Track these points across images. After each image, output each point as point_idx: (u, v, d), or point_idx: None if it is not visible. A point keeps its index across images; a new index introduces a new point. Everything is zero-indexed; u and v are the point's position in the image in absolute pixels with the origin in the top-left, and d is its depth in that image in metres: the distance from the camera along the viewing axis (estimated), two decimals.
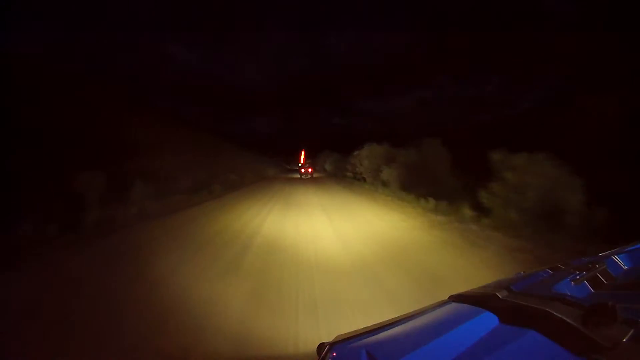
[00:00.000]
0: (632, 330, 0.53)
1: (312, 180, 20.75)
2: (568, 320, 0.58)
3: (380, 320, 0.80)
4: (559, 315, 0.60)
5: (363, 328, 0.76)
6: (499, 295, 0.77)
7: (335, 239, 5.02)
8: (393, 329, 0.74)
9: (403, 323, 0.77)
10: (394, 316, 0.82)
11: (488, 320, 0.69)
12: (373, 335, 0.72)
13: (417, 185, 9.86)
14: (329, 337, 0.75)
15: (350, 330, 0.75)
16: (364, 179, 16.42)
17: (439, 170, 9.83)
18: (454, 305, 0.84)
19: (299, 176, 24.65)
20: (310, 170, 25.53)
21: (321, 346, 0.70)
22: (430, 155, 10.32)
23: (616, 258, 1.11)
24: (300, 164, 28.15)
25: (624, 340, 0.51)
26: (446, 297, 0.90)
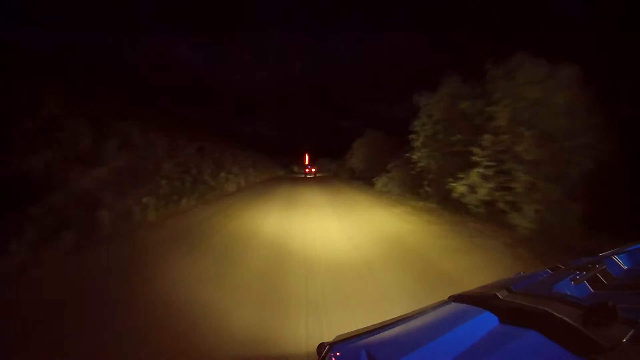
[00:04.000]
0: (632, 330, 0.53)
1: (315, 179, 25.65)
2: (568, 320, 0.58)
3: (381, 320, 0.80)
4: (559, 315, 0.60)
5: (363, 328, 0.76)
6: (499, 295, 0.77)
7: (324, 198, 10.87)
8: (393, 329, 0.74)
9: (403, 323, 0.77)
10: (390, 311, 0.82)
11: (488, 320, 0.69)
12: (373, 335, 0.72)
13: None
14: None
15: (350, 330, 0.75)
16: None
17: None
18: (454, 305, 0.84)
19: (303, 176, 29.74)
20: (313, 170, 31.23)
21: (321, 346, 0.70)
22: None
23: (616, 258, 1.11)
24: (304, 165, 33.63)
25: (624, 340, 0.51)
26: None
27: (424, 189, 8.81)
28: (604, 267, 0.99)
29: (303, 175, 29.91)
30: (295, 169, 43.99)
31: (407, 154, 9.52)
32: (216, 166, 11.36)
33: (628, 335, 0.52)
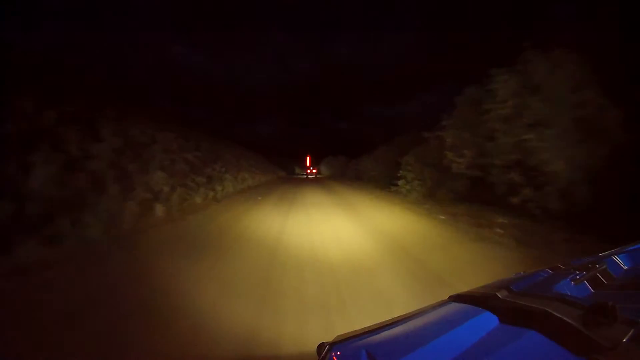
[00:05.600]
0: (632, 330, 0.53)
1: (315, 179, 27.90)
2: (568, 320, 0.58)
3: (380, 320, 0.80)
4: (559, 315, 0.60)
5: (363, 328, 0.76)
6: (499, 295, 0.77)
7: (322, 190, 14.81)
8: (393, 329, 0.74)
9: (403, 323, 0.77)
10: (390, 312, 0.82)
11: (488, 320, 0.69)
12: (373, 335, 0.71)
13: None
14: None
15: (350, 330, 0.75)
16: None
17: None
18: (453, 305, 0.84)
19: (305, 176, 33.62)
20: (314, 171, 35.54)
21: (321, 346, 0.70)
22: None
23: (616, 258, 1.11)
24: (306, 167, 37.53)
25: (624, 340, 0.51)
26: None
27: None
28: (604, 267, 0.99)
29: (305, 176, 33.23)
30: (297, 170, 46.27)
31: None
32: None
33: (628, 335, 0.52)
